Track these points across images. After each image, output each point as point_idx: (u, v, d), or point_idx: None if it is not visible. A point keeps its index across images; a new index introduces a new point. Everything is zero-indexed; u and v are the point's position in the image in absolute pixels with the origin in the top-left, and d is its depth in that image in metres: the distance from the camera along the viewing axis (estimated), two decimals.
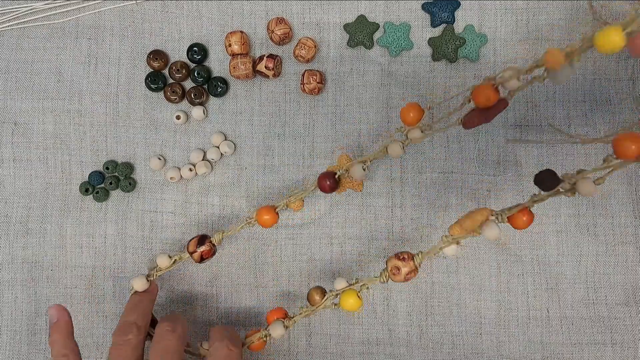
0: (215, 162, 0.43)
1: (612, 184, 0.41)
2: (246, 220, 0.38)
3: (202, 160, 0.42)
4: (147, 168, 0.43)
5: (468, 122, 0.34)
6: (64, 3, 0.44)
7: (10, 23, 0.44)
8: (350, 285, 0.35)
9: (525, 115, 0.42)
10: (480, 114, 0.34)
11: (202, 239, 0.38)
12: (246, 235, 0.42)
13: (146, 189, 0.43)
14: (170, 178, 0.42)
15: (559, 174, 0.31)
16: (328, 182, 0.36)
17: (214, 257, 0.39)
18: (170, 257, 0.38)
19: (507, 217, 0.32)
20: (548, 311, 0.41)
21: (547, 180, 0.30)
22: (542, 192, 0.31)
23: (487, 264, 0.41)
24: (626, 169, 0.41)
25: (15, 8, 0.43)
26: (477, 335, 0.41)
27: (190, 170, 0.42)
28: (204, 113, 0.42)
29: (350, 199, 0.42)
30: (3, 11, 0.43)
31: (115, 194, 0.43)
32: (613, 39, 0.27)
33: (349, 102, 0.42)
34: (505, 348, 0.41)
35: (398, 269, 0.33)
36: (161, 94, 0.43)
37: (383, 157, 0.37)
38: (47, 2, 0.43)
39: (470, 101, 0.33)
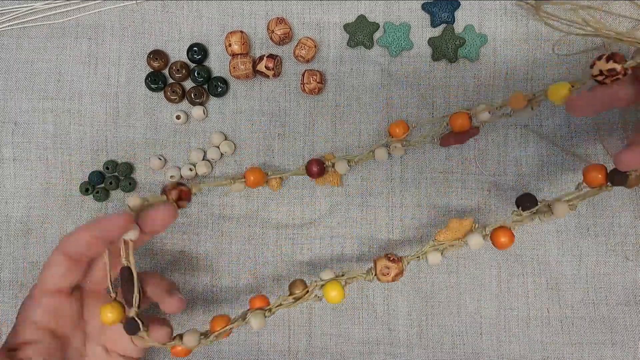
0: (215, 162, 0.43)
1: None
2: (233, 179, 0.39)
3: (202, 160, 0.42)
4: (147, 168, 0.43)
5: (444, 141, 0.40)
6: (64, 3, 0.44)
7: (10, 23, 0.44)
8: (337, 277, 0.34)
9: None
10: (455, 136, 0.39)
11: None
12: (246, 235, 0.42)
13: (146, 189, 0.43)
14: (170, 177, 0.42)
15: (538, 198, 0.34)
16: (316, 168, 0.39)
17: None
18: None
19: (491, 233, 0.34)
20: (548, 311, 0.41)
21: (526, 202, 0.34)
22: (523, 212, 0.34)
23: (487, 264, 0.41)
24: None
25: (15, 8, 0.43)
26: (477, 335, 0.41)
27: (190, 170, 0.42)
28: (204, 113, 0.42)
29: (350, 198, 0.42)
30: (3, 11, 0.44)
31: (116, 194, 0.43)
32: (562, 92, 0.33)
33: (349, 102, 0.42)
34: (505, 348, 0.41)
35: (388, 269, 0.34)
36: (161, 94, 0.43)
37: (370, 159, 0.40)
38: (47, 2, 0.43)
39: (447, 124, 0.38)
